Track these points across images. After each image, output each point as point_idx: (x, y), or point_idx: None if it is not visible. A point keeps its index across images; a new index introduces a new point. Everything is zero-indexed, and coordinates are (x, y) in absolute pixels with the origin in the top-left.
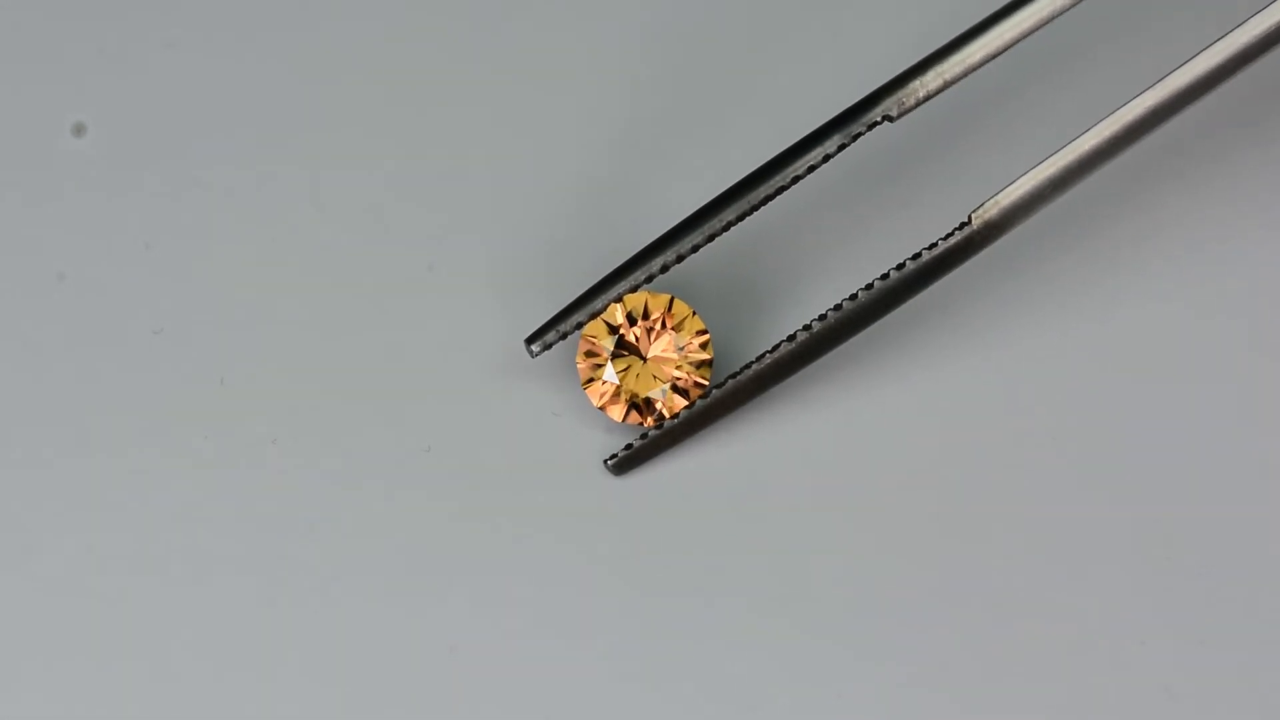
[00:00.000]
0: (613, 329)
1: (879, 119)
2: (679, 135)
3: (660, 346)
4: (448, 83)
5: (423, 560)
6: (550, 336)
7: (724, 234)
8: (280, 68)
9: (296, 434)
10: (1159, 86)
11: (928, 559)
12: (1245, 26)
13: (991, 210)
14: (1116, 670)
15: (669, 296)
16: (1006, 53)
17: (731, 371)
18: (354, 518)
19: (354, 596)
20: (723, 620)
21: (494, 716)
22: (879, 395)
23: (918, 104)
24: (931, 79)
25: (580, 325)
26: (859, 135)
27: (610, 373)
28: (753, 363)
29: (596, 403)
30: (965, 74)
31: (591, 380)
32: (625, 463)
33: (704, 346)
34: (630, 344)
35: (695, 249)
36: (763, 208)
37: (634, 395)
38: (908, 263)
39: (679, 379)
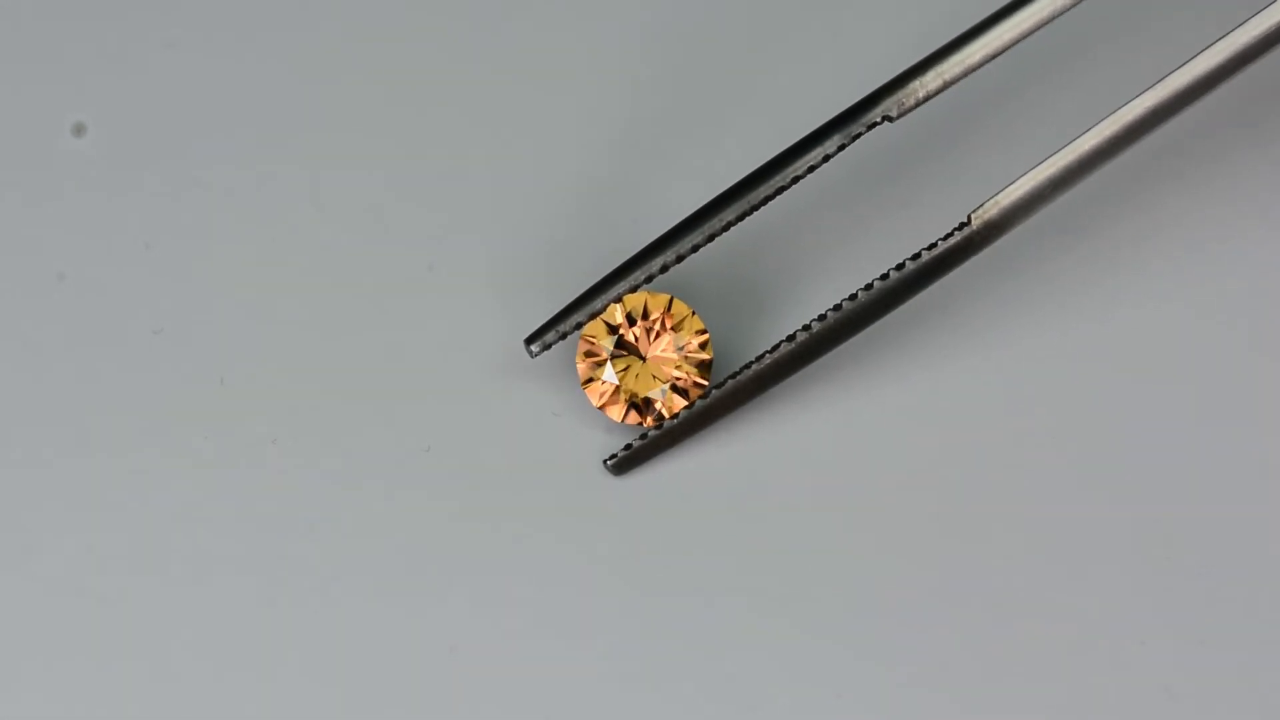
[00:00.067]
0: (612, 329)
1: (879, 119)
2: (679, 135)
3: (660, 346)
4: (448, 83)
5: (423, 560)
6: (550, 336)
7: (724, 234)
8: (280, 68)
9: (296, 434)
10: (1159, 87)
11: (928, 559)
12: (1245, 27)
13: (991, 210)
14: (1116, 670)
15: (669, 296)
16: (1006, 53)
17: (731, 371)
18: (354, 518)
19: (354, 596)
20: (723, 620)
21: (494, 716)
22: (879, 395)
23: (917, 104)
24: (931, 79)
25: (580, 325)
26: (859, 135)
27: (610, 373)
28: (752, 363)
29: (596, 403)
30: (965, 74)
31: (591, 380)
32: (625, 463)
33: (704, 346)
34: (630, 344)
35: (695, 249)
36: (763, 208)
37: (634, 395)
38: (907, 263)
39: (679, 379)
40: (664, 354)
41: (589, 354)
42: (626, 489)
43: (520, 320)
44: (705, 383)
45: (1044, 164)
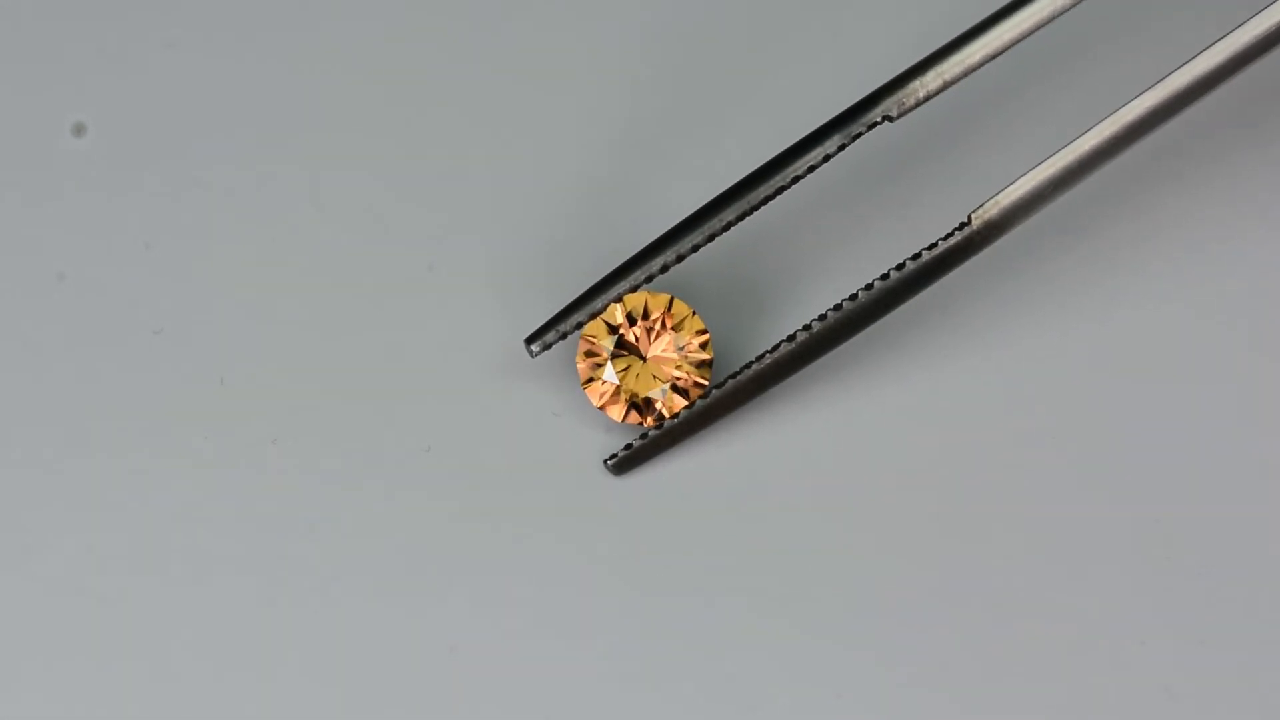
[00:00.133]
0: (612, 329)
1: (879, 119)
2: (679, 135)
3: (660, 346)
4: (448, 83)
5: (423, 560)
6: (550, 336)
7: (724, 234)
8: (280, 68)
9: (296, 434)
10: (1159, 87)
11: (928, 559)
12: (1245, 27)
13: (991, 210)
14: (1116, 670)
15: (669, 296)
16: (1006, 53)
17: (731, 371)
18: (354, 518)
19: (354, 596)
20: (723, 620)
21: (494, 716)
22: (879, 395)
23: (918, 104)
24: (931, 79)
25: (580, 325)
26: (859, 135)
27: (610, 373)
28: (752, 363)
29: (596, 403)
30: (965, 74)
31: (591, 380)
32: (625, 463)
33: (704, 346)
34: (630, 344)
35: (695, 249)
36: (763, 208)
37: (634, 395)
38: (908, 263)
39: (679, 379)
40: (664, 354)
41: (589, 354)
42: (626, 489)
43: (520, 320)
44: (705, 383)
45: (1044, 164)
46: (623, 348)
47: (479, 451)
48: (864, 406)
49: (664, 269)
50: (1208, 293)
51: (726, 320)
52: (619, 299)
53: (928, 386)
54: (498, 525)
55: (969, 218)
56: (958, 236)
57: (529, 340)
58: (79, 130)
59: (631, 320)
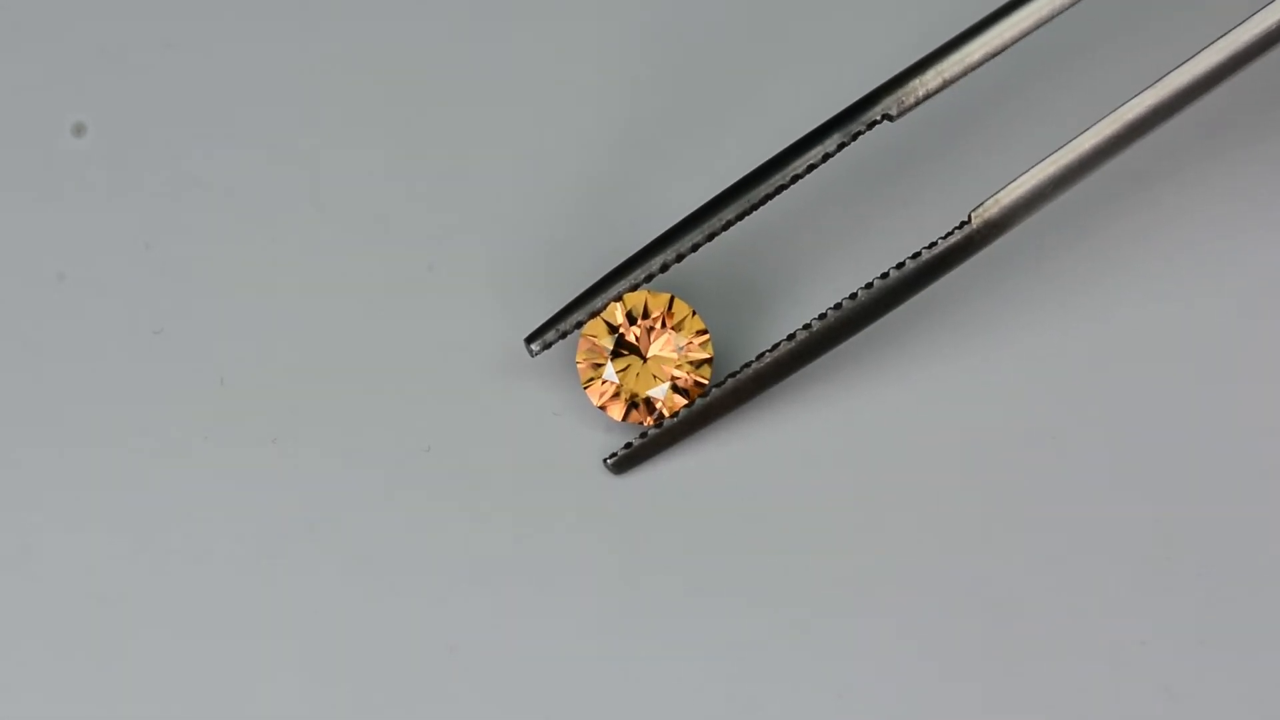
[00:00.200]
0: (612, 328)
1: (879, 118)
2: (679, 135)
3: (660, 346)
4: (448, 83)
5: (422, 560)
6: (550, 336)
7: (724, 233)
8: (280, 68)
9: (296, 434)
10: (1159, 85)
11: (928, 559)
12: (1245, 25)
13: (992, 209)
14: (1116, 670)
15: (669, 296)
16: (1006, 52)
17: (731, 371)
18: (354, 518)
19: (354, 596)
20: (723, 620)
21: (494, 716)
22: (879, 395)
23: (917, 103)
24: (931, 78)
25: (580, 324)
26: (859, 134)
27: (610, 372)
28: (752, 362)
29: (596, 402)
30: (965, 73)
31: (591, 380)
32: (625, 462)
33: (704, 346)
34: (630, 343)
35: (695, 248)
36: (763, 206)
37: (634, 394)
38: (908, 262)
39: (679, 378)
40: (664, 353)
41: (589, 353)
42: (626, 488)
43: (520, 320)
44: (705, 382)
45: (1044, 162)
46: (623, 347)
47: (479, 451)
48: (864, 406)
49: (664, 268)
50: (1208, 292)
51: (726, 319)
52: (619, 298)
53: (928, 386)
54: (498, 525)
55: (969, 216)
56: (958, 235)
57: (529, 339)
58: (79, 130)
59: (631, 319)
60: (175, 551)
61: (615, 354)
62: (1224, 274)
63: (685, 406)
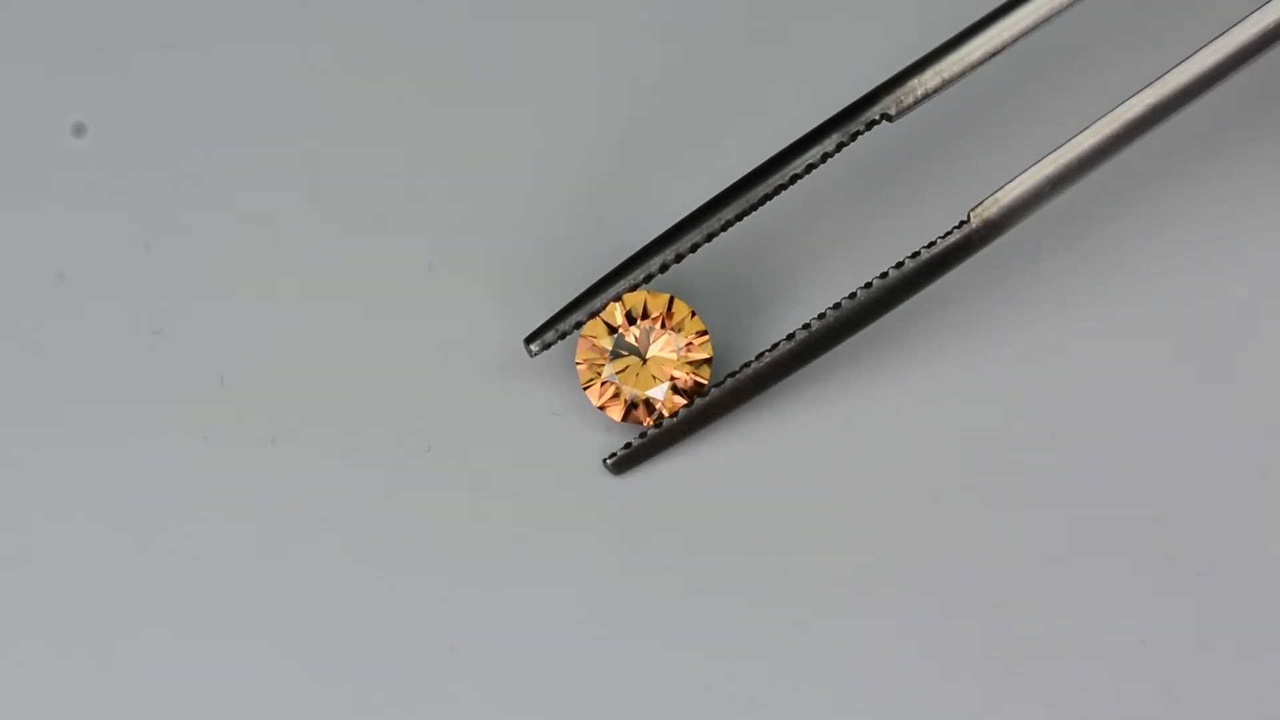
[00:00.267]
0: (612, 329)
1: (878, 118)
2: (679, 135)
3: (659, 346)
4: (448, 83)
5: (422, 560)
6: (550, 336)
7: (723, 233)
8: (280, 68)
9: (296, 434)
10: (1158, 84)
11: (928, 559)
12: (1244, 24)
13: (991, 208)
14: (1116, 670)
15: (668, 296)
16: (1005, 51)
17: (731, 371)
18: (354, 518)
19: (354, 596)
20: (723, 620)
21: (494, 716)
22: (879, 395)
23: (916, 103)
24: (930, 78)
25: (579, 325)
26: (858, 134)
27: (610, 372)
28: (752, 362)
29: (596, 402)
30: (964, 73)
31: (591, 380)
32: (625, 462)
33: (703, 346)
34: (630, 344)
35: (694, 248)
36: (762, 207)
37: (633, 395)
38: (907, 261)
39: (678, 379)
40: (664, 353)
41: (589, 354)
42: (626, 488)
43: (520, 320)
44: (705, 382)
45: (1043, 162)
46: (622, 347)
47: (479, 451)
48: (864, 406)
49: (663, 268)
50: (1207, 291)
51: (726, 319)
52: (618, 298)
53: (927, 386)
54: (497, 525)
55: (968, 216)
56: (957, 235)
57: (529, 340)
58: (79, 130)
59: (631, 320)
60: (175, 551)
61: (615, 354)
62: (1224, 274)
63: (685, 407)
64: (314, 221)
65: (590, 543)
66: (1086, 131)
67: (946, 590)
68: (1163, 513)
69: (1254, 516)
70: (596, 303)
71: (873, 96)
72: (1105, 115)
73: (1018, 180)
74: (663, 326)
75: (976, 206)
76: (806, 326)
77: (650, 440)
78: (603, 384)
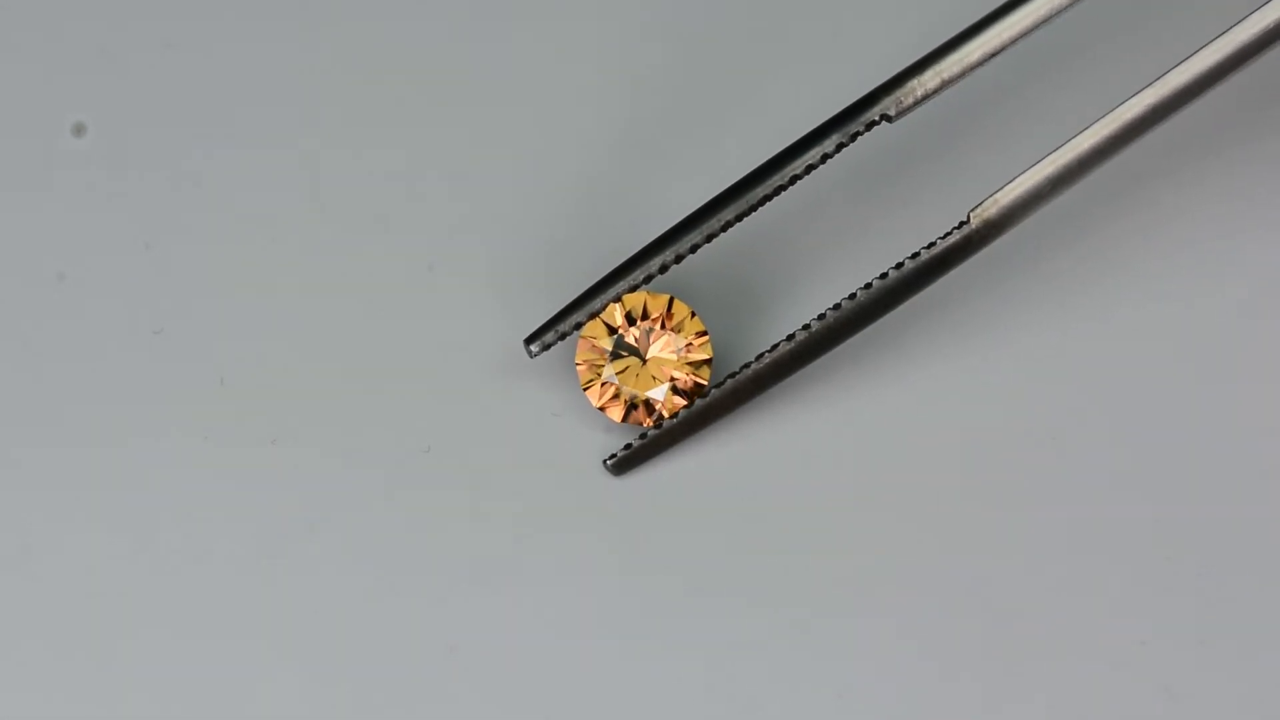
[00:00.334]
0: (612, 329)
1: (877, 118)
2: (679, 135)
3: (659, 347)
4: (448, 83)
5: (422, 560)
6: (549, 337)
7: (723, 234)
8: (280, 68)
9: (296, 434)
10: (1158, 84)
11: (928, 559)
12: (1244, 24)
13: (991, 209)
14: (1116, 670)
15: (668, 297)
16: (1005, 52)
17: (731, 372)
18: (354, 518)
19: (354, 596)
20: (723, 620)
21: (494, 716)
22: (878, 395)
23: (916, 103)
24: (930, 78)
25: (579, 325)
26: (858, 135)
27: (610, 373)
28: (752, 363)
29: (596, 403)
30: (964, 73)
31: (591, 381)
32: (625, 463)
33: (703, 347)
34: (629, 344)
35: (694, 249)
36: (761, 207)
37: (633, 396)
38: (907, 262)
39: (678, 379)
40: (664, 354)
41: (589, 354)
42: (626, 489)
43: (520, 320)
44: (704, 383)
45: (1043, 162)
46: (622, 348)
47: (479, 452)
48: (863, 406)
49: (663, 269)
50: (1207, 291)
51: (726, 320)
52: (618, 299)
53: (927, 386)
54: (497, 525)
55: (968, 216)
56: (957, 235)
57: (529, 340)
58: (79, 130)
59: (631, 320)
60: (175, 551)
61: (615, 355)
62: (1224, 274)
63: (685, 407)
64: (314, 221)
65: (590, 543)
66: (1086, 132)
67: (946, 590)
68: (1163, 513)
69: (1254, 516)
70: (596, 303)
71: (872, 97)
72: (1105, 116)
73: (1017, 181)
74: (663, 327)
75: (976, 207)
76: (806, 327)
77: (650, 441)
78: (603, 385)
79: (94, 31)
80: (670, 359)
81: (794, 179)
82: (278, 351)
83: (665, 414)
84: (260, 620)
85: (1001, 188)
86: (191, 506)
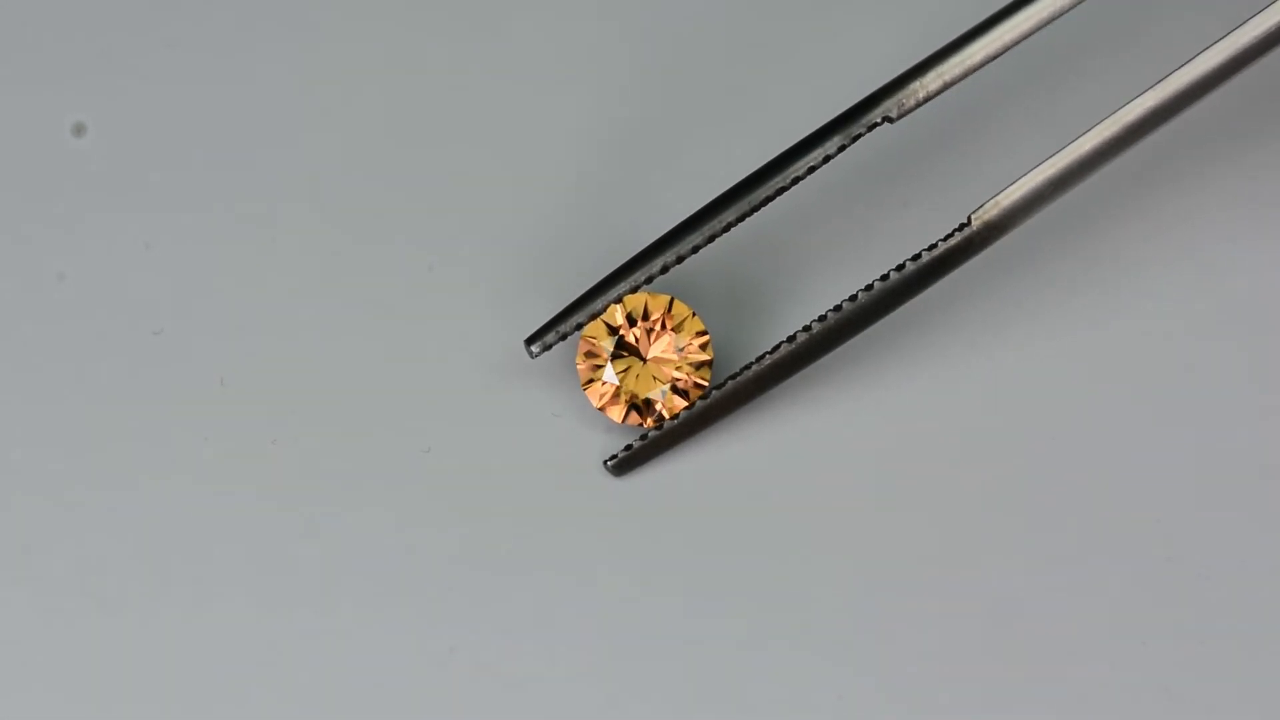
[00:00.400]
0: (612, 330)
1: (879, 120)
2: (679, 135)
3: (660, 347)
4: (448, 83)
5: (422, 561)
6: (550, 337)
7: (724, 235)
8: (280, 68)
9: (296, 434)
10: (1159, 87)
11: (928, 559)
12: (1245, 27)
13: (991, 211)
14: (1116, 670)
15: (669, 297)
16: (1006, 54)
17: (731, 372)
18: (354, 518)
19: (354, 597)
20: (722, 620)
21: (494, 717)
22: (879, 396)
23: (918, 105)
24: (931, 80)
25: (580, 326)
26: (859, 136)
27: (610, 374)
28: (752, 364)
29: (596, 404)
30: (965, 75)
31: (591, 381)
32: (625, 463)
33: (704, 347)
34: (630, 345)
35: (695, 250)
36: (763, 209)
37: (634, 396)
38: (907, 264)
39: (679, 380)
40: (664, 355)
41: (589, 355)
42: (626, 489)
43: (520, 320)
44: (705, 384)
45: (1044, 164)
46: (623, 349)
47: (479, 452)
48: (864, 408)
49: (664, 270)
50: (1208, 294)
51: (726, 321)
52: (619, 300)
53: (927, 387)
54: (497, 526)
55: (969, 218)
56: (957, 237)
57: (529, 341)
58: (79, 130)
59: (631, 321)
60: (174, 552)
61: (615, 356)
62: (1224, 275)
63: (685, 408)
64: (314, 222)
65: (590, 543)
66: (1087, 134)
67: (947, 590)
68: (1163, 513)
69: (1254, 516)
70: (597, 304)
71: (874, 99)
72: (1106, 118)
73: (1018, 183)
74: (663, 328)
75: (977, 209)
76: (807, 328)
77: (651, 442)
78: (603, 385)
79: (94, 31)
80: (671, 360)
81: (795, 180)
82: (278, 351)
83: (665, 415)
84: (259, 620)
85: (1002, 190)
86: (191, 506)
